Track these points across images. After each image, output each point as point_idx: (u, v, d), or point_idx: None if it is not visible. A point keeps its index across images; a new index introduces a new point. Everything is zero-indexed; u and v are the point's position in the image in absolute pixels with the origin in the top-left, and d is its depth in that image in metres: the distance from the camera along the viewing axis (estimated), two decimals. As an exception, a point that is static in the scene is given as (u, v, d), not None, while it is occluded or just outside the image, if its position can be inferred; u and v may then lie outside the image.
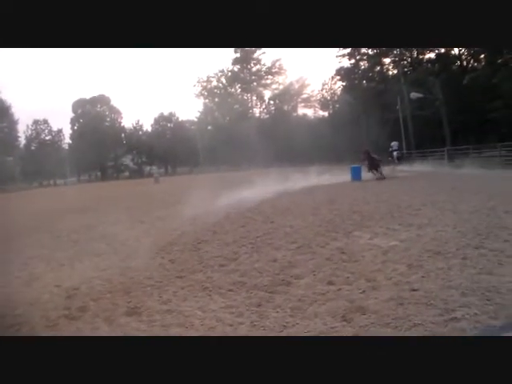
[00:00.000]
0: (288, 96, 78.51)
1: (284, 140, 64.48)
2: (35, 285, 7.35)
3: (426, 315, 4.47)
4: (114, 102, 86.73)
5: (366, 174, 25.54)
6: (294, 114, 78.71)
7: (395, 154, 35.40)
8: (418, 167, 29.97)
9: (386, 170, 26.73)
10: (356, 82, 60.68)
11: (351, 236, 8.98)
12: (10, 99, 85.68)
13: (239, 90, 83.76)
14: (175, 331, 4.81)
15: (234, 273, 7.04)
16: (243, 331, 4.61)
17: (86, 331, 5.05)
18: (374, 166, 25.49)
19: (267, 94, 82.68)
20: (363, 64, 60.11)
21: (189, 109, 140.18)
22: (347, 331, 4.32)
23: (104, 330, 5.03)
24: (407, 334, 4.05)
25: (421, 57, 52.97)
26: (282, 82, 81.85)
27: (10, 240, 12.49)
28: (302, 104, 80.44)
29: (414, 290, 5.30)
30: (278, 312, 5.10)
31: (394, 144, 36.82)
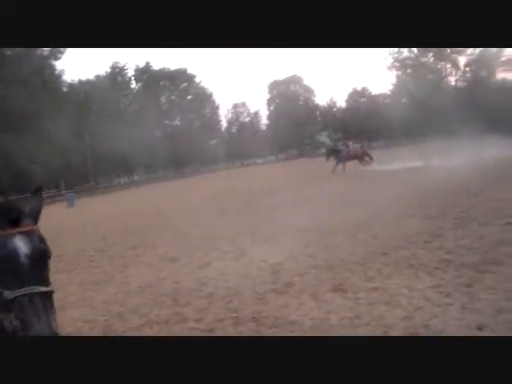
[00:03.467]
0: (485, 61, 71.60)
1: (484, 109, 58.94)
2: (243, 259, 7.82)
3: None
4: (307, 81, 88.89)
5: None
6: (493, 80, 71.58)
7: None
8: None
9: None
10: None
11: None
12: (211, 87, 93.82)
13: (432, 58, 78.98)
14: (381, 310, 4.67)
15: (440, 250, 6.64)
16: (452, 313, 4.32)
17: (293, 306, 5.16)
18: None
19: (462, 60, 76.64)
20: None
21: (381, 82, 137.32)
22: None
23: (310, 306, 5.09)
24: None
25: None
26: (478, 45, 74.97)
27: (219, 216, 13.52)
28: (501, 68, 72.83)
29: None
30: (490, 294, 4.68)
31: None
